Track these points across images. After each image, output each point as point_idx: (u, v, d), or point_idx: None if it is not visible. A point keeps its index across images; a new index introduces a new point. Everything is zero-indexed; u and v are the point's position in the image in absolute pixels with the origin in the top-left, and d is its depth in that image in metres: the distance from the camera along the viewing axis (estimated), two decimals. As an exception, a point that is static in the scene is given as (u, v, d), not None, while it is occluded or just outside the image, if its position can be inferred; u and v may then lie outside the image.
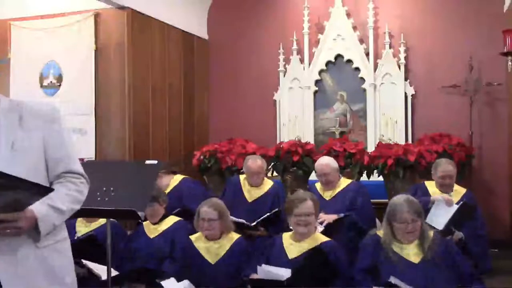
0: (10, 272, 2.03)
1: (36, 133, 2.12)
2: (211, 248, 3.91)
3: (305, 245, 3.74)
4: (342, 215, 4.57)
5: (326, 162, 4.95)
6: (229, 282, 3.77)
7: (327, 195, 4.86)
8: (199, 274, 3.85)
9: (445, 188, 4.63)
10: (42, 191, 2.03)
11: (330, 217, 4.51)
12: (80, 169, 2.22)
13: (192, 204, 4.84)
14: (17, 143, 2.07)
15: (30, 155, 2.08)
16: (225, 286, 3.77)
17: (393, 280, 3.30)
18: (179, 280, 3.76)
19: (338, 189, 4.86)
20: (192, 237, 4.01)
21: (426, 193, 4.60)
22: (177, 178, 5.13)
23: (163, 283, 3.75)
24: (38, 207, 2.04)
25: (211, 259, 3.89)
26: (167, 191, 4.92)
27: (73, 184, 2.17)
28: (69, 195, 2.14)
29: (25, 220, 2.00)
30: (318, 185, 4.99)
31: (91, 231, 4.39)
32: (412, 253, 3.45)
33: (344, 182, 4.94)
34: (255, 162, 5.07)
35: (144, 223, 4.39)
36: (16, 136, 2.08)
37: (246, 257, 3.88)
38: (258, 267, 3.56)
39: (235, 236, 4.00)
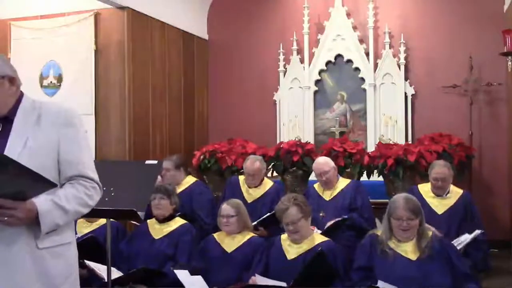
0: (3, 272, 2.01)
1: (51, 134, 2.13)
2: (229, 240, 4.11)
3: (304, 246, 3.77)
4: (339, 219, 4.58)
5: (323, 161, 4.98)
6: (240, 274, 3.91)
7: (327, 195, 4.87)
8: (215, 263, 4.02)
9: (437, 190, 4.61)
10: (47, 185, 2.02)
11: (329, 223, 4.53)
12: (94, 176, 2.21)
13: (198, 210, 4.97)
14: (30, 142, 2.09)
15: (40, 155, 2.09)
16: (236, 277, 3.91)
17: (381, 284, 3.33)
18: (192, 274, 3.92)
19: (337, 189, 4.87)
20: (215, 235, 4.21)
21: (419, 196, 4.53)
22: (190, 179, 5.18)
23: (177, 272, 3.84)
24: (41, 202, 2.03)
25: (228, 248, 4.07)
26: (179, 190, 4.98)
27: (83, 187, 2.16)
28: (76, 196, 2.13)
29: (24, 211, 1.98)
30: (316, 186, 4.99)
31: (92, 231, 4.39)
32: (409, 250, 3.48)
33: (343, 182, 4.95)
34: (253, 164, 5.08)
35: (148, 221, 4.37)
36: (30, 135, 2.11)
37: (260, 252, 3.96)
38: (257, 275, 3.65)
39: (252, 234, 4.20)
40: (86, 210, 2.19)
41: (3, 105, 2.14)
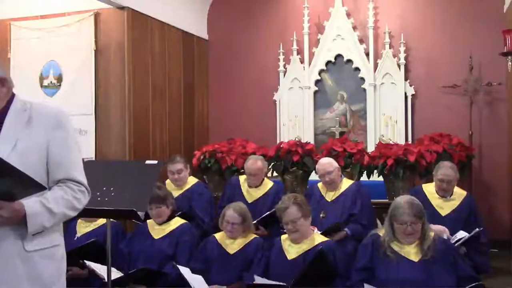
0: None
1: (41, 136, 2.12)
2: (231, 241, 4.12)
3: (304, 246, 3.78)
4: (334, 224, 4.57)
5: (328, 161, 4.96)
6: (241, 274, 3.93)
7: (329, 196, 4.85)
8: (216, 264, 4.03)
9: (442, 192, 4.60)
10: (36, 188, 2.01)
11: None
12: (82, 179, 2.20)
13: (197, 210, 4.98)
14: (19, 143, 2.08)
15: (30, 156, 2.08)
16: (237, 277, 3.93)
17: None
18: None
19: (340, 191, 4.85)
20: (217, 236, 4.21)
21: (424, 197, 4.51)
22: (192, 180, 5.22)
23: (180, 268, 3.85)
24: (29, 203, 2.02)
25: (230, 250, 4.08)
26: (182, 190, 5.04)
27: (71, 190, 2.15)
28: (64, 199, 2.11)
29: (11, 211, 1.97)
30: (320, 185, 4.97)
31: (91, 231, 4.39)
32: (412, 252, 3.46)
33: (346, 183, 4.92)
34: (255, 163, 5.09)
35: (148, 222, 4.38)
36: (20, 136, 2.09)
37: (261, 253, 3.99)
38: (255, 276, 3.68)
39: (254, 235, 4.22)
40: (73, 214, 2.18)
41: None
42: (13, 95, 2.20)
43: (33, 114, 2.15)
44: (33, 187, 2.02)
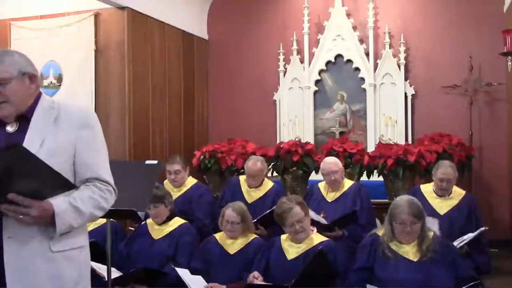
0: (16, 273, 1.99)
1: (68, 135, 2.11)
2: (231, 241, 4.12)
3: (303, 246, 3.78)
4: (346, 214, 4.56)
5: (333, 160, 4.94)
6: (241, 274, 3.92)
7: (330, 196, 4.84)
8: (216, 264, 4.03)
9: (441, 191, 4.59)
10: (66, 185, 2.02)
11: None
12: (109, 179, 2.20)
13: (197, 212, 4.97)
14: (46, 142, 2.07)
15: (57, 156, 2.06)
16: (237, 278, 3.92)
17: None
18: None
19: (341, 191, 4.84)
20: (217, 236, 4.21)
21: (421, 197, 4.49)
22: (191, 181, 5.20)
23: (178, 270, 3.84)
24: (58, 202, 2.01)
25: (231, 250, 4.09)
26: (182, 191, 5.03)
27: (98, 189, 2.15)
28: (92, 198, 2.11)
29: (40, 210, 1.96)
30: (321, 185, 4.96)
31: (90, 231, 4.38)
32: (410, 251, 3.47)
33: (347, 183, 4.91)
34: (255, 164, 5.06)
35: (148, 222, 4.37)
36: (47, 135, 2.09)
37: (261, 253, 3.98)
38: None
39: (254, 235, 4.22)
40: (101, 213, 2.18)
41: (21, 103, 2.11)
42: (40, 93, 2.20)
43: (61, 112, 2.14)
44: (63, 185, 2.02)
